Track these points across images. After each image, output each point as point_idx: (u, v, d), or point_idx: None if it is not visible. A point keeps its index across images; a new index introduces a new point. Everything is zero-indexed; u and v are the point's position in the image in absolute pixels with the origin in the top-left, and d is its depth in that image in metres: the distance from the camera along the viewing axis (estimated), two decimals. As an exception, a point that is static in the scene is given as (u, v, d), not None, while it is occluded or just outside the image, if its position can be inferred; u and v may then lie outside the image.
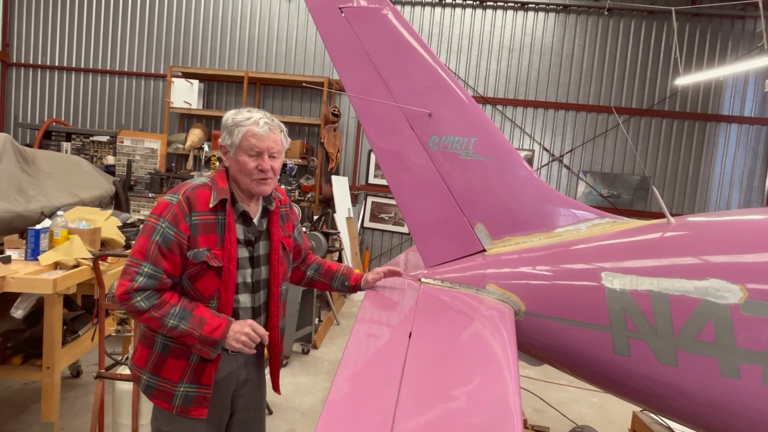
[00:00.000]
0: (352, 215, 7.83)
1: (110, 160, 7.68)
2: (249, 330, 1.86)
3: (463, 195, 2.46)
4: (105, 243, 3.56)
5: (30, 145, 7.07)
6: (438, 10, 8.27)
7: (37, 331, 3.26)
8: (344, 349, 1.68)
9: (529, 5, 8.12)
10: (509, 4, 8.17)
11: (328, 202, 8.13)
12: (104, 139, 7.84)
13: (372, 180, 8.55)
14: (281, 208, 2.11)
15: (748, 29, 7.87)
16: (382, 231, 8.60)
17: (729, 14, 7.71)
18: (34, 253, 3.08)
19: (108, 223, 3.70)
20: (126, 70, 8.73)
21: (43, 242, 3.13)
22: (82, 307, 3.76)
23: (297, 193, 7.70)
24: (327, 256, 5.81)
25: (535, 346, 2.32)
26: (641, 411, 3.41)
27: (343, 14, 2.54)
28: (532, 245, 2.39)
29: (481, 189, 2.46)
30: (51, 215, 3.46)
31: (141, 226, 2.90)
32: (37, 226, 3.17)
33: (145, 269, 1.78)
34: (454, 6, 8.26)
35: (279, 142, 1.95)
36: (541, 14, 8.15)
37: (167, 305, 1.80)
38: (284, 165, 7.53)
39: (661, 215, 2.32)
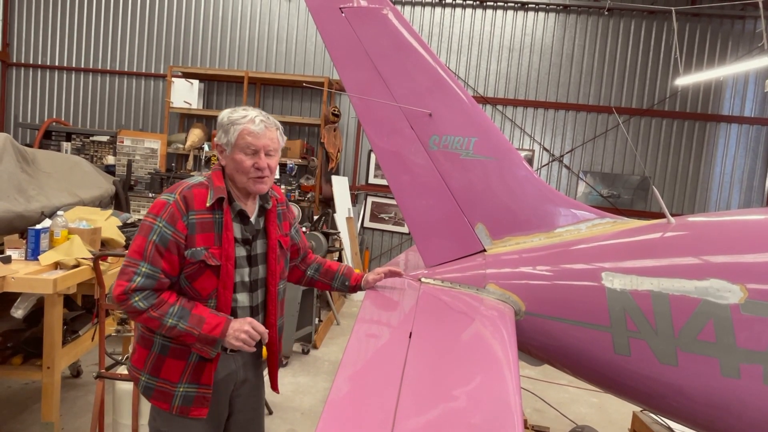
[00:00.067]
0: (352, 215, 7.83)
1: (110, 160, 7.68)
2: (249, 328, 1.85)
3: (463, 195, 2.46)
4: (105, 243, 3.57)
5: (30, 145, 7.07)
6: (438, 10, 8.28)
7: (38, 331, 3.26)
8: (345, 349, 1.68)
9: (529, 5, 8.12)
10: (509, 4, 8.17)
11: (328, 202, 8.13)
12: (104, 139, 7.84)
13: (372, 180, 8.55)
14: (278, 207, 2.11)
15: (748, 29, 7.87)
16: (382, 231, 8.60)
17: (729, 14, 7.71)
18: (34, 253, 3.08)
19: (108, 223, 3.70)
20: (126, 70, 8.73)
21: (44, 242, 3.14)
22: (82, 307, 3.76)
23: (297, 193, 7.70)
24: (327, 256, 5.81)
25: (535, 346, 2.32)
26: (641, 411, 3.41)
27: (343, 14, 2.54)
28: (533, 245, 2.39)
29: (481, 189, 2.46)
30: (51, 215, 3.46)
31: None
32: (38, 226, 3.17)
33: (143, 269, 1.77)
34: (454, 6, 8.26)
35: (275, 139, 1.94)
36: (541, 14, 8.15)
37: (166, 305, 1.79)
38: (284, 165, 7.54)
39: (661, 215, 2.32)
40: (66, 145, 7.71)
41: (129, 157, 7.61)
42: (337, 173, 8.41)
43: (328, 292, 6.33)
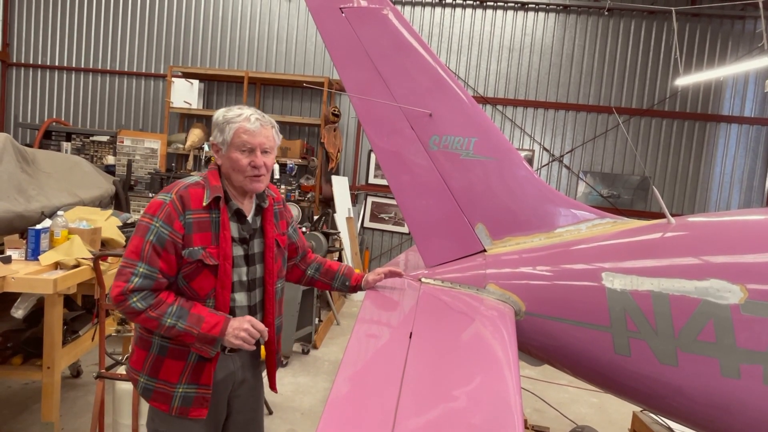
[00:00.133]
0: (352, 215, 7.83)
1: (110, 160, 7.68)
2: (248, 326, 1.84)
3: (463, 195, 2.46)
4: (105, 243, 3.57)
5: (30, 145, 7.07)
6: (438, 10, 8.28)
7: (38, 331, 3.26)
8: (345, 350, 1.68)
9: (529, 5, 8.12)
10: (509, 4, 8.17)
11: (328, 202, 8.13)
12: (104, 139, 7.84)
13: (372, 180, 8.55)
14: (275, 206, 2.10)
15: (748, 29, 7.87)
16: (382, 231, 8.60)
17: (729, 14, 7.71)
18: (34, 253, 3.09)
19: (108, 223, 3.70)
20: (126, 70, 8.73)
21: (44, 242, 3.14)
22: (82, 307, 3.76)
23: (297, 193, 7.70)
24: (327, 256, 5.81)
25: (535, 346, 2.32)
26: (641, 411, 3.41)
27: (343, 14, 2.54)
28: (533, 245, 2.39)
29: (481, 189, 2.46)
30: (51, 215, 3.46)
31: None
32: (38, 226, 3.17)
33: (141, 269, 1.76)
34: (454, 6, 8.26)
35: (271, 138, 1.94)
36: (541, 14, 8.15)
37: (164, 305, 1.79)
38: (284, 165, 7.54)
39: (661, 215, 2.32)
40: (66, 145, 7.71)
41: (129, 157, 7.61)
42: (337, 173, 8.41)
43: (328, 292, 6.33)
